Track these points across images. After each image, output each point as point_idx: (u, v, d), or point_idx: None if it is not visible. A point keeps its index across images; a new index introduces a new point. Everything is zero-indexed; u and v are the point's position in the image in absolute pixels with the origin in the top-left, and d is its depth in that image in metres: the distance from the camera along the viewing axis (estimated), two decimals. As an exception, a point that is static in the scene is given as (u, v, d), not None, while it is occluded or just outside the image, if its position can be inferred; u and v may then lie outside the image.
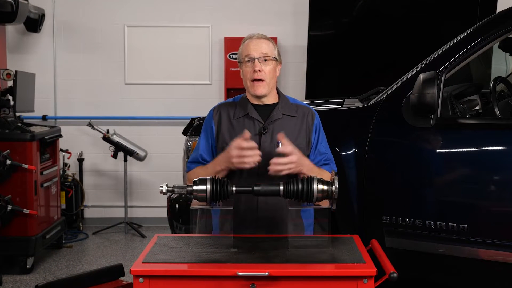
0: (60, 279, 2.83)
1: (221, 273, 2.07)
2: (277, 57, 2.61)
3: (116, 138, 5.93)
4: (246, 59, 2.57)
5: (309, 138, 2.64)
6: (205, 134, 2.69)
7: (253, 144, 2.43)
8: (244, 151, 2.41)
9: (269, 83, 2.59)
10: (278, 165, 2.40)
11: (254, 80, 2.57)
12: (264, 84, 2.58)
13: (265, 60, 2.56)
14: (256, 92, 2.58)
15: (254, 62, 2.55)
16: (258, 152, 2.42)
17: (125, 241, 5.87)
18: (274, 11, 6.26)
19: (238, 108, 2.65)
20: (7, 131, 4.83)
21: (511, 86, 3.93)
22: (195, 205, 2.34)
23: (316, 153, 2.65)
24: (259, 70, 2.55)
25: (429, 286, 3.37)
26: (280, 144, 2.57)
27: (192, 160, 2.70)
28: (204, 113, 2.83)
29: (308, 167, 2.49)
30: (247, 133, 2.43)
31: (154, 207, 6.27)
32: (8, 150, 4.67)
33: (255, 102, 2.65)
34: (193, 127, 3.71)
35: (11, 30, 6.22)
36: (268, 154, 2.57)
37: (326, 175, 2.51)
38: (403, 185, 3.20)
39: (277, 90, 2.69)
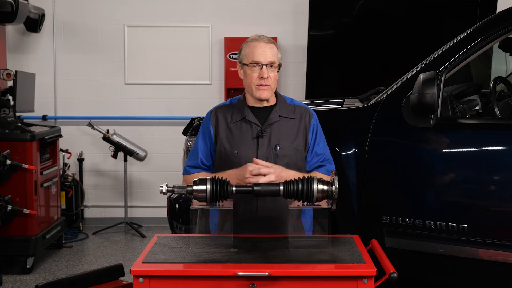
0: (60, 279, 2.83)
1: (221, 273, 2.07)
2: (281, 63, 2.64)
3: (116, 138, 5.93)
4: (253, 63, 2.58)
5: (306, 138, 2.64)
6: (203, 138, 2.69)
7: (268, 167, 2.43)
8: (259, 177, 2.41)
9: (273, 88, 2.63)
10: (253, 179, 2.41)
11: (260, 85, 2.58)
12: (269, 89, 2.61)
13: (271, 66, 2.59)
14: (262, 96, 2.60)
15: (261, 69, 2.57)
16: (272, 171, 2.42)
17: (125, 241, 5.87)
18: (274, 11, 6.26)
19: (235, 111, 2.65)
20: (7, 131, 4.83)
21: (511, 86, 3.93)
22: (195, 205, 2.34)
23: (313, 154, 2.65)
24: (267, 77, 2.57)
25: (429, 286, 3.37)
26: (278, 147, 2.58)
27: (192, 165, 2.69)
28: (204, 113, 2.84)
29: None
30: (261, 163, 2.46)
31: (154, 207, 6.27)
32: (8, 150, 4.66)
33: (254, 104, 2.65)
34: (193, 127, 3.72)
35: (11, 30, 6.22)
36: (266, 158, 2.57)
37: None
38: (403, 185, 3.20)
39: (275, 92, 2.70)
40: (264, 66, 2.56)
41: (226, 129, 2.63)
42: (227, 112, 2.67)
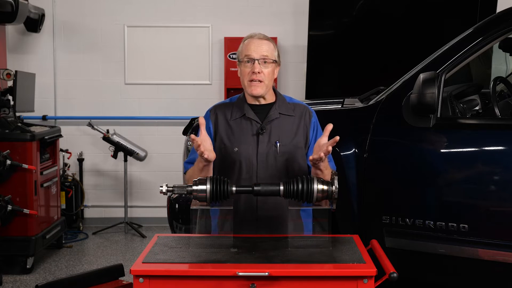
0: (60, 279, 2.83)
1: (221, 273, 2.07)
2: (277, 59, 2.61)
3: (116, 138, 5.93)
4: (246, 59, 2.57)
5: (307, 136, 2.64)
6: None
7: (195, 138, 2.38)
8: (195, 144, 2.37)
9: (267, 84, 2.59)
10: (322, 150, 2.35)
11: (251, 80, 2.57)
12: (262, 85, 2.57)
13: (265, 62, 2.56)
14: (253, 92, 2.58)
15: (253, 63, 2.55)
16: (199, 143, 2.37)
17: (125, 241, 5.87)
18: (274, 11, 6.26)
19: (235, 109, 2.65)
20: (7, 131, 4.83)
21: (511, 86, 3.93)
22: (195, 205, 2.34)
23: None
24: (258, 72, 2.55)
25: (429, 286, 3.37)
26: (278, 144, 2.58)
27: (188, 161, 2.70)
28: (204, 113, 2.84)
29: (326, 162, 2.47)
30: (201, 118, 2.43)
31: (154, 207, 6.27)
32: (8, 150, 4.66)
33: (252, 102, 2.64)
34: (193, 127, 3.72)
35: (11, 30, 6.22)
36: (266, 154, 2.57)
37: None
38: (403, 185, 3.20)
39: (274, 90, 2.69)
40: (256, 61, 2.54)
41: (226, 126, 2.63)
42: (226, 109, 2.67)
